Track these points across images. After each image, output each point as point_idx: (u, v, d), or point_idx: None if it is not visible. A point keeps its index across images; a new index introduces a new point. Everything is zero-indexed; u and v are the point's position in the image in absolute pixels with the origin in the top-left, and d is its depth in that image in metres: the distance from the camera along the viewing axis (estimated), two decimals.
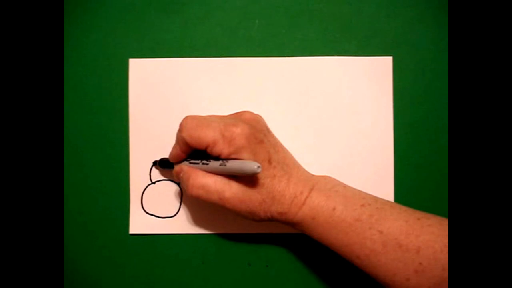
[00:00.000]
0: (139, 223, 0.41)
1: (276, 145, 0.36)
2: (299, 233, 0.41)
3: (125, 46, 0.41)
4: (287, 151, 0.37)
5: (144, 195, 0.41)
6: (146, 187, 0.41)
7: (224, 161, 0.33)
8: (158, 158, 0.40)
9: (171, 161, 0.38)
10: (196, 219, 0.41)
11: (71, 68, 0.41)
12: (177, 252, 0.41)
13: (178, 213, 0.41)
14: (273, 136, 0.37)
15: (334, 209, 0.33)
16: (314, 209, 0.34)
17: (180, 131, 0.35)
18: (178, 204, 0.41)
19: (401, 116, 0.40)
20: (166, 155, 0.41)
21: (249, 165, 0.31)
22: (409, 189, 0.40)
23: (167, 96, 0.41)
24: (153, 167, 0.41)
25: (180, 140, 0.36)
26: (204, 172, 0.35)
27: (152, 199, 0.41)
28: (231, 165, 0.33)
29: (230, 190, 0.34)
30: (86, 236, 0.41)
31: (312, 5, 0.41)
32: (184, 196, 0.41)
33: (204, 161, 0.35)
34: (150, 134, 0.41)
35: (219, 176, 0.34)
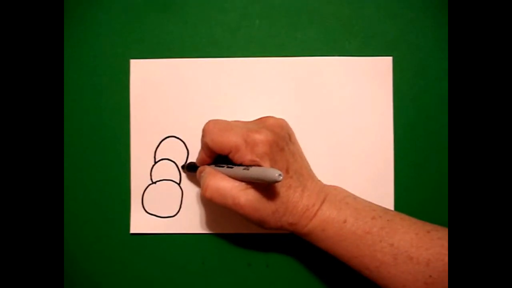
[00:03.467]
0: (140, 223, 0.41)
1: (295, 154, 0.36)
2: None
3: (126, 47, 0.41)
4: (305, 159, 0.37)
5: (144, 194, 0.41)
6: (147, 187, 0.41)
7: (247, 166, 0.33)
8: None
9: (198, 164, 0.38)
10: (197, 219, 0.41)
11: (72, 69, 0.41)
12: (177, 252, 0.41)
13: (179, 213, 0.41)
14: (294, 143, 0.37)
15: (345, 221, 0.33)
16: (324, 221, 0.34)
17: (203, 136, 0.36)
18: (179, 204, 0.41)
19: (401, 116, 0.40)
20: (166, 155, 0.41)
21: (271, 172, 0.31)
22: (409, 189, 0.40)
23: (168, 96, 0.41)
24: (183, 170, 0.41)
25: (204, 145, 0.36)
26: (223, 176, 0.34)
27: (152, 199, 0.41)
28: (254, 171, 0.32)
29: (245, 197, 0.33)
30: (86, 236, 0.41)
31: (312, 5, 0.41)
32: (185, 196, 0.41)
33: (229, 166, 0.35)
34: (151, 134, 0.41)
35: (237, 182, 0.34)
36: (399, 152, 0.40)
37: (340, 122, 0.41)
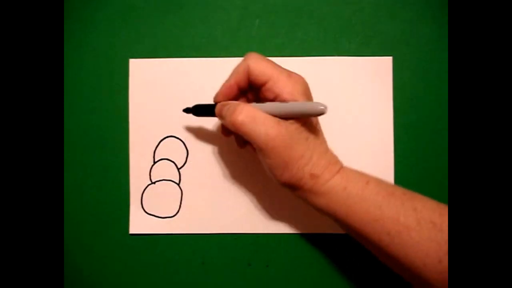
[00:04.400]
0: (139, 223, 0.41)
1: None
2: (299, 233, 0.41)
3: (125, 46, 0.41)
4: None
5: (144, 195, 0.41)
6: (146, 187, 0.41)
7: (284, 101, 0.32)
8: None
9: (217, 98, 0.36)
10: (196, 219, 0.41)
11: (72, 68, 0.41)
12: (177, 252, 0.41)
13: (178, 213, 0.41)
14: None
15: (367, 182, 0.33)
16: (347, 178, 0.33)
17: (244, 59, 0.34)
18: (178, 204, 0.41)
19: (401, 116, 0.40)
20: (166, 155, 0.41)
21: (315, 104, 0.30)
22: (409, 189, 0.40)
23: (167, 96, 0.41)
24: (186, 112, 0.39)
25: (242, 69, 0.34)
26: (257, 107, 0.33)
27: (152, 199, 0.41)
28: (295, 104, 0.31)
29: (278, 129, 0.32)
30: (86, 236, 0.41)
31: (312, 5, 0.41)
32: (184, 196, 0.41)
33: (257, 101, 0.34)
34: (150, 134, 0.41)
35: (270, 115, 0.32)
36: (399, 152, 0.40)
37: (340, 122, 0.41)
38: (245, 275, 0.41)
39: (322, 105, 0.30)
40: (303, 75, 0.40)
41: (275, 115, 0.32)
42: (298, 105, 0.31)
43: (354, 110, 0.41)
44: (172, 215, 0.41)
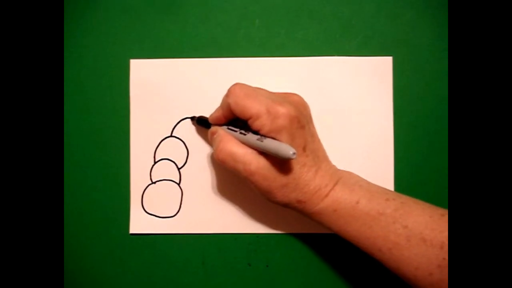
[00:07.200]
0: (140, 223, 0.41)
1: (314, 135, 0.36)
2: (299, 233, 0.41)
3: (125, 47, 0.41)
4: (321, 143, 0.37)
5: (144, 195, 0.41)
6: (147, 187, 0.41)
7: (262, 137, 0.33)
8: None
9: (210, 122, 0.38)
10: (196, 219, 0.41)
11: (72, 68, 0.41)
12: (177, 252, 0.41)
13: (178, 213, 0.41)
14: (313, 125, 0.37)
15: (357, 202, 0.33)
16: (336, 201, 0.34)
17: (227, 96, 0.35)
18: (179, 204, 0.41)
19: (401, 116, 0.40)
20: (166, 155, 0.41)
21: (286, 149, 0.31)
22: (409, 189, 0.40)
23: (167, 96, 0.41)
24: (191, 121, 0.41)
25: (225, 105, 0.35)
26: (237, 141, 0.34)
27: (152, 199, 0.41)
28: (268, 143, 0.32)
29: (257, 164, 0.33)
30: (86, 236, 0.41)
31: (312, 5, 0.41)
32: (185, 196, 0.41)
33: (242, 132, 0.34)
34: (150, 134, 0.41)
35: (250, 149, 0.34)
36: (399, 152, 0.40)
37: (340, 122, 0.41)
38: (245, 275, 0.41)
39: (292, 149, 0.30)
40: (303, 75, 0.41)
41: (254, 148, 0.34)
42: (270, 145, 0.32)
43: (354, 110, 0.41)
44: (172, 215, 0.41)
